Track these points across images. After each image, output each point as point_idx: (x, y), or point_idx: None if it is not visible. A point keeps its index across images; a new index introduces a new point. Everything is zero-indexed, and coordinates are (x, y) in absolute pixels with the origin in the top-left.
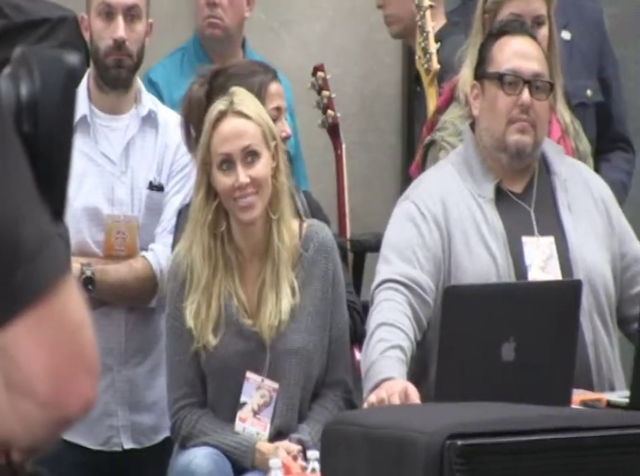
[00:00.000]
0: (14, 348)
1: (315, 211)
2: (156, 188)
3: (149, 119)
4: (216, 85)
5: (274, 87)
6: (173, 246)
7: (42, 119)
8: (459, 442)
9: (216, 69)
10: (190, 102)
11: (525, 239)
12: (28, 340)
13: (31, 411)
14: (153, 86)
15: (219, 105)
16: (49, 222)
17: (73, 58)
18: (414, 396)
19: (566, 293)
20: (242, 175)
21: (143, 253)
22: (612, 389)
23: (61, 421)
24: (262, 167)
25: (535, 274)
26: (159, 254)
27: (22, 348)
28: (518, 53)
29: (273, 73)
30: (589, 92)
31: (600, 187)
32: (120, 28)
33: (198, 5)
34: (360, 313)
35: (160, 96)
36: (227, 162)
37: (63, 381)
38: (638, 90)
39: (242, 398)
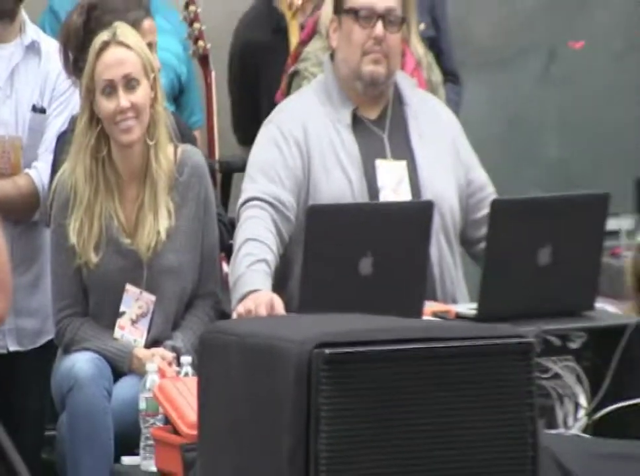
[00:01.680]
0: None
1: (184, 130)
2: (39, 110)
3: (33, 48)
4: (93, 16)
5: (147, 23)
6: (53, 168)
7: None
8: (327, 351)
9: (94, 2)
10: (69, 29)
11: (379, 163)
12: None
13: None
14: (54, 14)
15: (102, 36)
16: None
17: None
18: (280, 307)
19: (418, 213)
20: (124, 99)
21: (27, 170)
22: (455, 302)
23: None
24: (142, 94)
25: (387, 196)
26: (42, 172)
27: None
28: None
29: (146, 10)
30: (422, 26)
31: (449, 118)
32: None
33: None
34: (227, 226)
35: (59, 23)
36: (110, 88)
37: None
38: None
39: (122, 308)
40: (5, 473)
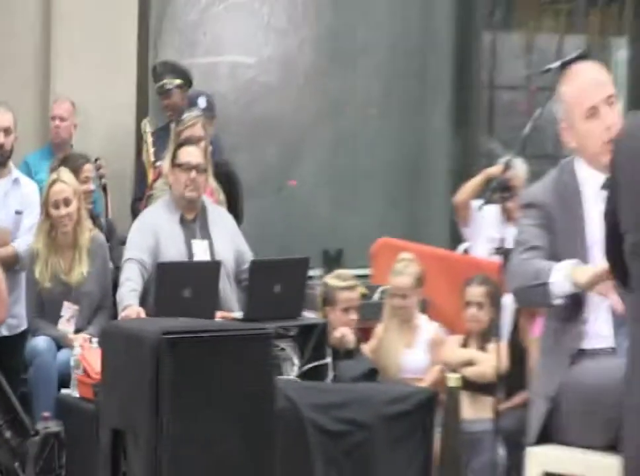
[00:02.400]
0: None
1: (110, 226)
2: (18, 213)
3: (16, 182)
4: (64, 164)
5: (86, 167)
6: None
7: None
8: (168, 336)
9: (63, 157)
10: (52, 171)
11: (193, 241)
12: None
13: None
14: (27, 165)
15: (53, 176)
16: None
17: None
18: (143, 314)
19: (213, 267)
20: (64, 210)
21: (12, 244)
22: (231, 311)
23: None
24: (73, 207)
25: (198, 258)
26: (20, 245)
27: None
28: (189, 154)
29: (86, 159)
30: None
31: (229, 219)
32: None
33: (52, 127)
34: None
35: (30, 171)
36: (56, 204)
37: None
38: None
39: (62, 313)
40: (5, 409)
